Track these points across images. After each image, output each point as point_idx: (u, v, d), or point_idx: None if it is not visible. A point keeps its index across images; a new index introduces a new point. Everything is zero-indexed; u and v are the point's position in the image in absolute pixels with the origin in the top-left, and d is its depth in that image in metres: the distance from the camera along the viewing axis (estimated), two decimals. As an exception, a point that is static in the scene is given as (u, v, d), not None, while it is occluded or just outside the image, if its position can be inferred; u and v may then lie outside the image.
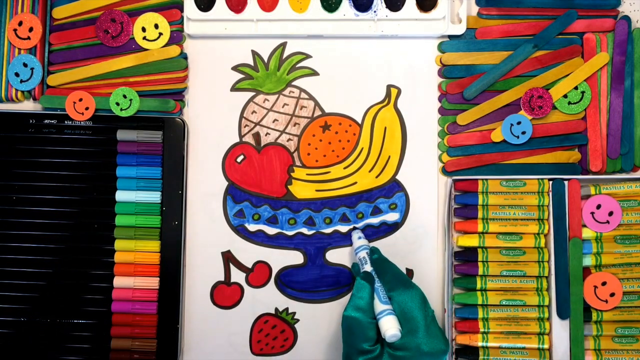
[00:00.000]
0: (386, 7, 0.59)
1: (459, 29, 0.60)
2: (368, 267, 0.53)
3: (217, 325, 0.60)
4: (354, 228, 0.59)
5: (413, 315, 0.49)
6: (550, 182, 0.58)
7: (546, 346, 0.57)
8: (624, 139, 0.59)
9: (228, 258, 0.60)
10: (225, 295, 0.60)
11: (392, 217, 0.60)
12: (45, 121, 0.59)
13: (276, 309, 0.60)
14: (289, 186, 0.60)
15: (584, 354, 0.57)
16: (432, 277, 0.60)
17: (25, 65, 0.59)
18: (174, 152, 0.59)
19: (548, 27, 0.59)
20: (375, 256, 0.54)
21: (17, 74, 0.59)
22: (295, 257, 0.60)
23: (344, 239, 0.60)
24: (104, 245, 0.59)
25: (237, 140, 0.60)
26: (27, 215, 0.59)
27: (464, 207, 0.59)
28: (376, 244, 0.60)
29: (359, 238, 0.57)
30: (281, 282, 0.60)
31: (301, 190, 0.60)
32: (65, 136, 0.60)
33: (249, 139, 0.60)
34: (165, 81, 0.60)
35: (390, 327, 0.48)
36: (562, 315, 0.57)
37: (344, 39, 0.61)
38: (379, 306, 0.49)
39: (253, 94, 0.61)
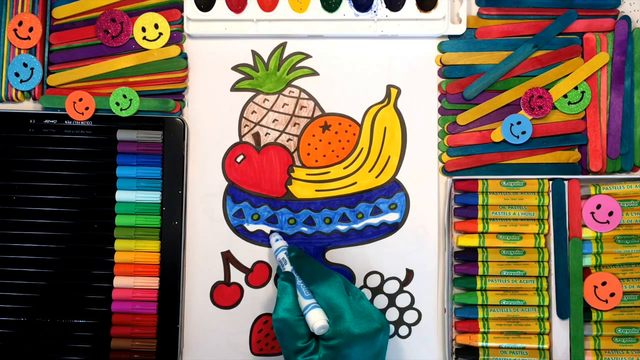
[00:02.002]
0: (386, 7, 0.59)
1: (459, 29, 0.60)
2: (288, 267, 0.53)
3: (217, 325, 0.60)
4: (271, 232, 0.59)
5: (335, 302, 0.49)
6: (550, 182, 0.58)
7: (546, 346, 0.57)
8: (624, 139, 0.59)
9: (228, 258, 0.60)
10: (225, 295, 0.60)
11: (392, 217, 0.60)
12: (45, 121, 0.59)
13: (276, 309, 0.60)
14: (288, 186, 0.60)
15: (584, 354, 0.57)
16: (432, 277, 0.60)
17: (25, 65, 0.59)
18: (174, 152, 0.59)
19: (548, 27, 0.59)
20: (293, 254, 0.54)
21: (17, 74, 0.59)
22: (295, 257, 0.60)
23: (344, 239, 0.60)
24: (104, 245, 0.59)
25: (237, 140, 0.60)
26: (27, 215, 0.59)
27: (464, 207, 0.59)
28: (376, 244, 0.60)
29: (277, 240, 0.57)
30: (281, 282, 0.60)
31: (301, 190, 0.60)
32: (65, 136, 0.60)
33: (248, 139, 0.60)
34: (165, 81, 0.60)
35: (316, 320, 0.48)
36: (562, 315, 0.57)
37: (344, 39, 0.61)
38: (303, 302, 0.49)
39: (253, 94, 0.61)
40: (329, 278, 0.50)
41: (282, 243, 0.57)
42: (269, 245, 0.60)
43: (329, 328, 0.48)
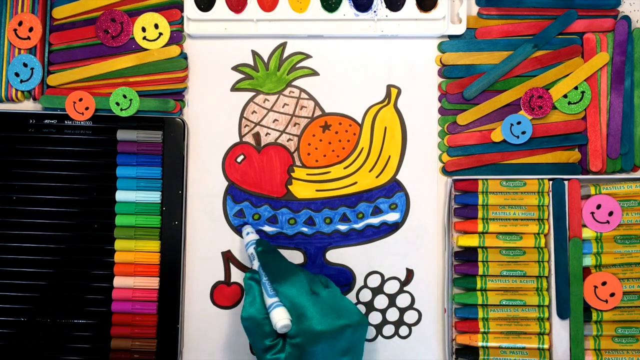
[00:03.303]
0: (386, 7, 0.59)
1: (459, 29, 0.60)
2: (256, 263, 0.53)
3: (217, 325, 0.60)
4: (244, 224, 0.59)
5: (298, 300, 0.48)
6: (550, 182, 0.58)
7: (546, 346, 0.57)
8: (624, 139, 0.59)
9: (228, 258, 0.60)
10: (225, 295, 0.60)
11: (392, 217, 0.60)
12: (45, 121, 0.59)
13: (276, 309, 0.60)
14: (289, 186, 0.60)
15: (584, 354, 0.57)
16: (432, 277, 0.60)
17: (25, 65, 0.59)
18: (174, 152, 0.59)
19: (548, 27, 0.59)
20: (260, 249, 0.53)
21: (17, 74, 0.59)
22: (295, 257, 0.60)
23: (344, 239, 0.60)
24: (104, 245, 0.59)
25: (237, 140, 0.60)
26: (27, 215, 0.59)
27: (464, 207, 0.59)
28: (376, 244, 0.60)
29: (248, 234, 0.56)
30: (281, 282, 0.60)
31: (301, 190, 0.60)
32: (65, 136, 0.60)
33: (249, 139, 0.60)
34: (165, 81, 0.60)
35: (279, 319, 0.48)
36: (562, 315, 0.57)
37: (344, 39, 0.61)
38: (268, 300, 0.49)
39: (253, 94, 0.61)
40: (292, 276, 0.50)
41: (253, 237, 0.55)
42: (269, 245, 0.60)
43: (292, 326, 0.48)
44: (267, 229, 0.60)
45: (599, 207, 0.57)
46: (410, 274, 0.60)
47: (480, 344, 0.57)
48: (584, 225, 0.58)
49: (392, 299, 0.60)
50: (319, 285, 0.51)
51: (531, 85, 0.59)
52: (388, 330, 0.60)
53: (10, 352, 0.59)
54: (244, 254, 0.60)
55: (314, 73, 0.61)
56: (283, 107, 0.60)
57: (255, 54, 0.61)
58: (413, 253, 0.60)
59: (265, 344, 0.49)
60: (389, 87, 0.61)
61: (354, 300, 0.60)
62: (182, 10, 0.60)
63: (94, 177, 0.60)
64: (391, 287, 0.60)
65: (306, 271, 0.52)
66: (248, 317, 0.50)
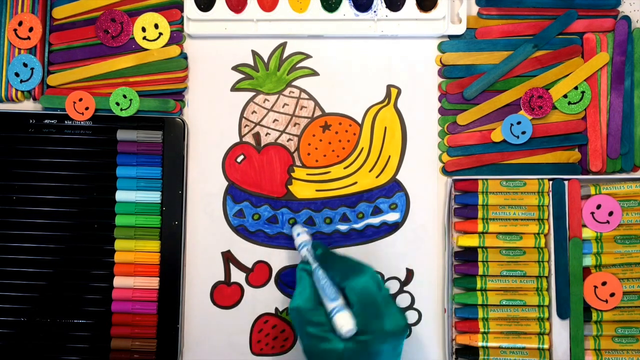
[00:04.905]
0: (386, 7, 0.59)
1: (459, 29, 0.60)
2: (314, 265, 0.52)
3: (217, 325, 0.60)
4: (293, 224, 0.58)
5: (370, 299, 0.48)
6: (550, 182, 0.58)
7: (546, 346, 0.57)
8: (624, 139, 0.59)
9: (228, 258, 0.60)
10: (225, 295, 0.60)
11: (392, 217, 0.60)
12: (45, 121, 0.59)
13: (276, 309, 0.60)
14: (289, 186, 0.60)
15: (584, 354, 0.57)
16: (432, 277, 0.60)
17: (25, 65, 0.59)
18: (174, 152, 0.59)
19: (548, 27, 0.59)
20: (319, 251, 0.53)
21: (17, 74, 0.59)
22: (295, 257, 0.60)
23: (345, 239, 0.60)
24: (104, 245, 0.59)
25: (237, 140, 0.60)
26: (27, 215, 0.59)
27: (464, 207, 0.59)
28: (376, 243, 0.60)
29: (298, 235, 0.55)
30: (281, 282, 0.60)
31: (301, 190, 0.60)
32: (65, 136, 0.60)
33: (249, 139, 0.60)
34: (165, 81, 0.60)
35: (344, 324, 0.47)
36: (562, 315, 0.57)
37: (344, 39, 0.61)
38: (329, 304, 0.48)
39: (253, 94, 0.61)
40: (363, 274, 0.49)
41: (305, 237, 0.54)
42: (269, 245, 0.60)
43: (361, 323, 0.47)
44: (267, 229, 0.60)
45: (599, 207, 0.57)
46: (410, 274, 0.60)
47: (480, 344, 0.57)
48: (584, 225, 0.58)
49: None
50: (381, 282, 0.50)
51: (531, 85, 0.59)
52: (388, 330, 0.60)
53: (10, 352, 0.59)
54: (244, 253, 0.60)
55: (314, 73, 0.61)
56: (283, 107, 0.60)
57: (255, 54, 0.61)
58: (413, 253, 0.60)
59: (315, 334, 0.47)
60: (389, 87, 0.61)
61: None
62: (182, 10, 0.60)
63: (94, 177, 0.60)
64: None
65: (370, 266, 0.50)
66: (295, 308, 0.49)
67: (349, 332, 0.47)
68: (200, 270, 0.60)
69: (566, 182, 0.58)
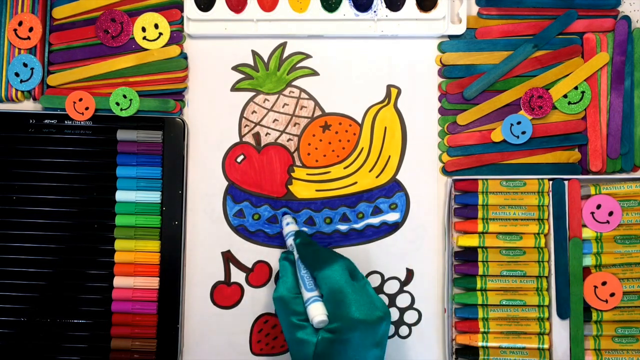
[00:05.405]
0: (386, 7, 0.59)
1: (459, 29, 0.60)
2: (296, 254, 0.53)
3: (217, 325, 0.60)
4: (284, 214, 0.59)
5: (338, 287, 0.48)
6: (550, 182, 0.58)
7: (546, 346, 0.57)
8: (624, 139, 0.59)
9: (228, 258, 0.60)
10: (225, 295, 0.60)
11: (392, 217, 0.60)
12: (45, 121, 0.59)
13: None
14: (289, 186, 0.60)
15: (584, 354, 0.57)
16: (432, 277, 0.60)
17: (25, 65, 0.59)
18: (174, 152, 0.59)
19: (548, 27, 0.59)
20: (298, 240, 0.54)
21: (17, 74, 0.59)
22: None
23: (345, 239, 0.60)
24: (104, 245, 0.59)
25: (237, 140, 0.60)
26: (27, 215, 0.59)
27: (464, 207, 0.59)
28: (376, 244, 0.60)
29: (288, 224, 0.57)
30: (281, 282, 0.60)
31: (301, 190, 0.60)
32: (65, 136, 0.60)
33: (249, 139, 0.60)
34: (165, 81, 0.60)
35: (316, 314, 0.48)
36: (562, 315, 0.57)
37: (344, 39, 0.61)
38: (305, 294, 0.49)
39: (253, 94, 0.61)
40: (332, 263, 0.50)
41: (292, 227, 0.56)
42: (270, 245, 0.60)
43: (329, 315, 0.48)
44: (267, 229, 0.60)
45: (599, 207, 0.57)
46: (410, 274, 0.60)
47: (480, 344, 0.57)
48: (584, 225, 0.58)
49: (392, 299, 0.60)
50: (357, 273, 0.51)
51: (531, 85, 0.59)
52: (388, 330, 0.60)
53: (10, 352, 0.59)
54: (244, 253, 0.60)
55: (314, 73, 0.61)
56: (283, 107, 0.60)
57: (255, 54, 0.61)
58: (413, 253, 0.60)
59: (294, 322, 0.48)
60: (389, 87, 0.61)
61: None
62: (182, 10, 0.60)
63: (94, 177, 0.60)
64: (391, 287, 0.60)
65: (346, 258, 0.51)
66: (278, 297, 0.50)
67: (320, 323, 0.47)
68: (200, 270, 0.60)
69: (566, 182, 0.58)
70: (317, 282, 0.49)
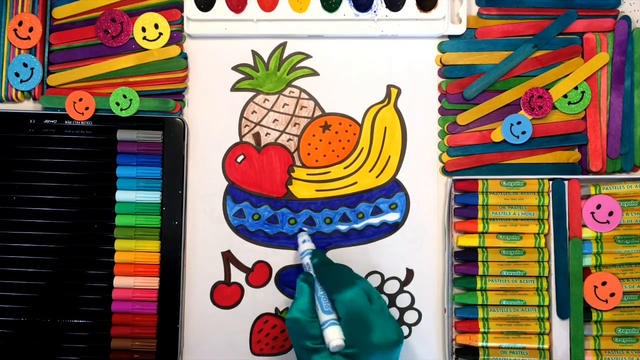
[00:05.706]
0: (386, 7, 0.59)
1: (459, 29, 0.60)
2: (312, 274, 0.53)
3: (217, 325, 0.60)
4: (300, 230, 0.59)
5: (358, 311, 0.48)
6: (550, 182, 0.58)
7: (546, 346, 0.57)
8: (624, 139, 0.59)
9: (228, 258, 0.60)
10: (225, 295, 0.60)
11: (392, 217, 0.60)
12: (45, 121, 0.59)
13: (276, 309, 0.60)
14: (289, 186, 0.60)
15: (584, 354, 0.57)
16: (432, 277, 0.60)
17: (25, 65, 0.59)
18: (174, 152, 0.59)
19: (548, 27, 0.59)
20: (315, 260, 0.53)
21: (17, 74, 0.59)
22: (295, 257, 0.60)
23: (345, 239, 0.60)
24: (103, 245, 0.59)
25: (237, 140, 0.60)
26: (27, 215, 0.59)
27: (464, 207, 0.59)
28: (376, 244, 0.60)
29: (304, 242, 0.56)
30: (281, 282, 0.60)
31: (301, 190, 0.60)
32: (65, 136, 0.60)
33: (249, 139, 0.60)
34: (165, 81, 0.60)
35: (333, 338, 0.47)
36: (562, 315, 0.57)
37: (344, 39, 0.61)
38: (322, 317, 0.49)
39: (253, 94, 0.61)
40: (353, 287, 0.49)
41: (308, 246, 0.55)
42: (270, 245, 0.60)
43: (348, 337, 0.47)
44: (267, 229, 0.60)
45: (599, 207, 0.57)
46: (410, 274, 0.60)
47: (480, 344, 0.57)
48: (584, 225, 0.58)
49: (392, 299, 0.60)
50: (373, 294, 0.50)
51: (531, 85, 0.59)
52: (388, 330, 0.60)
53: (10, 352, 0.59)
54: (244, 253, 0.60)
55: (314, 73, 0.61)
56: (283, 107, 0.60)
57: (255, 54, 0.61)
58: (413, 253, 0.60)
59: (310, 346, 0.48)
60: (389, 87, 0.61)
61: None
62: (182, 10, 0.60)
63: (94, 177, 0.60)
64: (391, 287, 0.60)
65: (363, 279, 0.51)
66: (292, 319, 0.49)
67: (336, 347, 0.47)
68: (200, 270, 0.60)
69: (566, 182, 0.58)
70: (335, 304, 0.49)
